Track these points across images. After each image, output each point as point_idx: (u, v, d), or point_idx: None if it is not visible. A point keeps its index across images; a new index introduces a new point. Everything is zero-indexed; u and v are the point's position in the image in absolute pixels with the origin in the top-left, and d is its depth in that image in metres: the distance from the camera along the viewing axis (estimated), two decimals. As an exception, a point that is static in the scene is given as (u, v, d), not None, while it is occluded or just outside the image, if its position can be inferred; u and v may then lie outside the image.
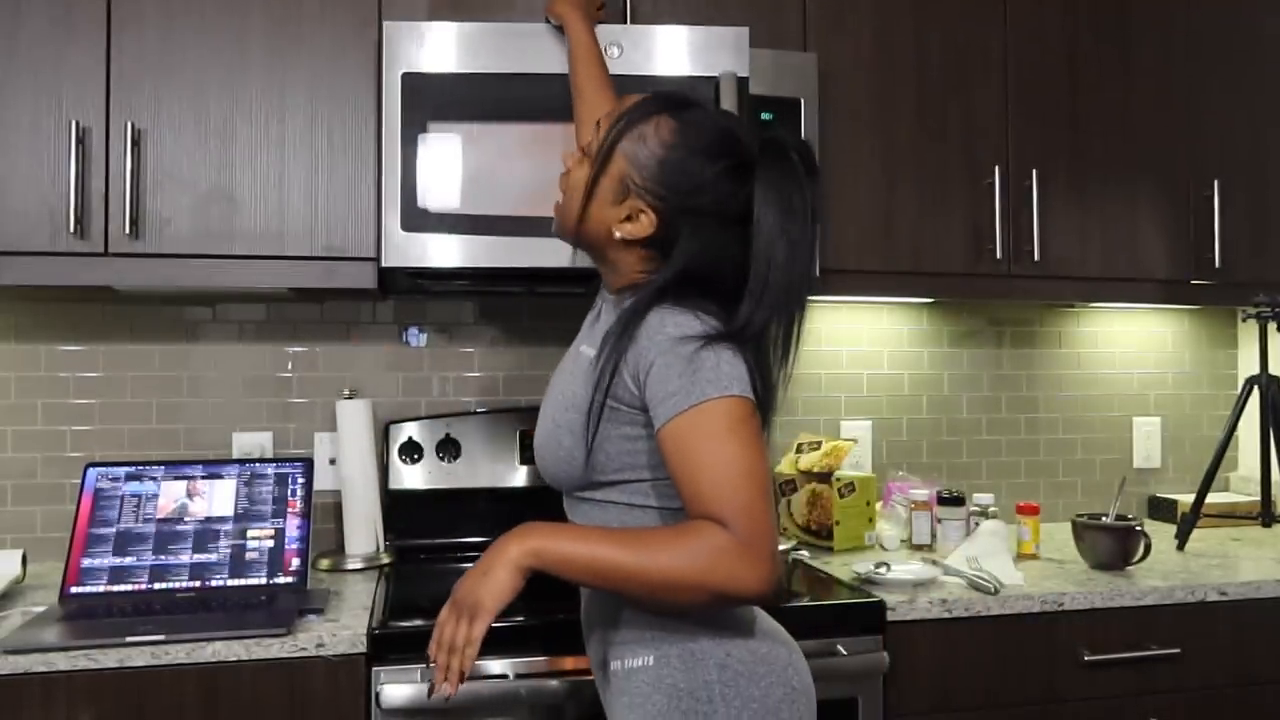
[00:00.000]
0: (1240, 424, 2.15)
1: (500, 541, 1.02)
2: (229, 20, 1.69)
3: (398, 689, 1.39)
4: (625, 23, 1.79)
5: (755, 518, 0.98)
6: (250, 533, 1.68)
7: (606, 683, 1.15)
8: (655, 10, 1.81)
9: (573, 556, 0.99)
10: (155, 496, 1.69)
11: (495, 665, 1.43)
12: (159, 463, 1.72)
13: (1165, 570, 1.81)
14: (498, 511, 2.00)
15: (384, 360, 2.07)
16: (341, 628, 1.44)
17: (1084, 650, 1.64)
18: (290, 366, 2.03)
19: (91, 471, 1.69)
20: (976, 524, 1.92)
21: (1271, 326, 2.08)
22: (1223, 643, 1.71)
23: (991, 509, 1.97)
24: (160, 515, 1.68)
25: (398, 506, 1.96)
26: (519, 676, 1.42)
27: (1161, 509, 2.35)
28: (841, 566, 1.82)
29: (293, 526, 1.70)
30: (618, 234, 1.13)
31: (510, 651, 1.44)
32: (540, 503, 2.00)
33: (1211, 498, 2.19)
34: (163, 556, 1.64)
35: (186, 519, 1.68)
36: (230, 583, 1.63)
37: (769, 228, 1.07)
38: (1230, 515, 2.23)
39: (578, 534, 1.02)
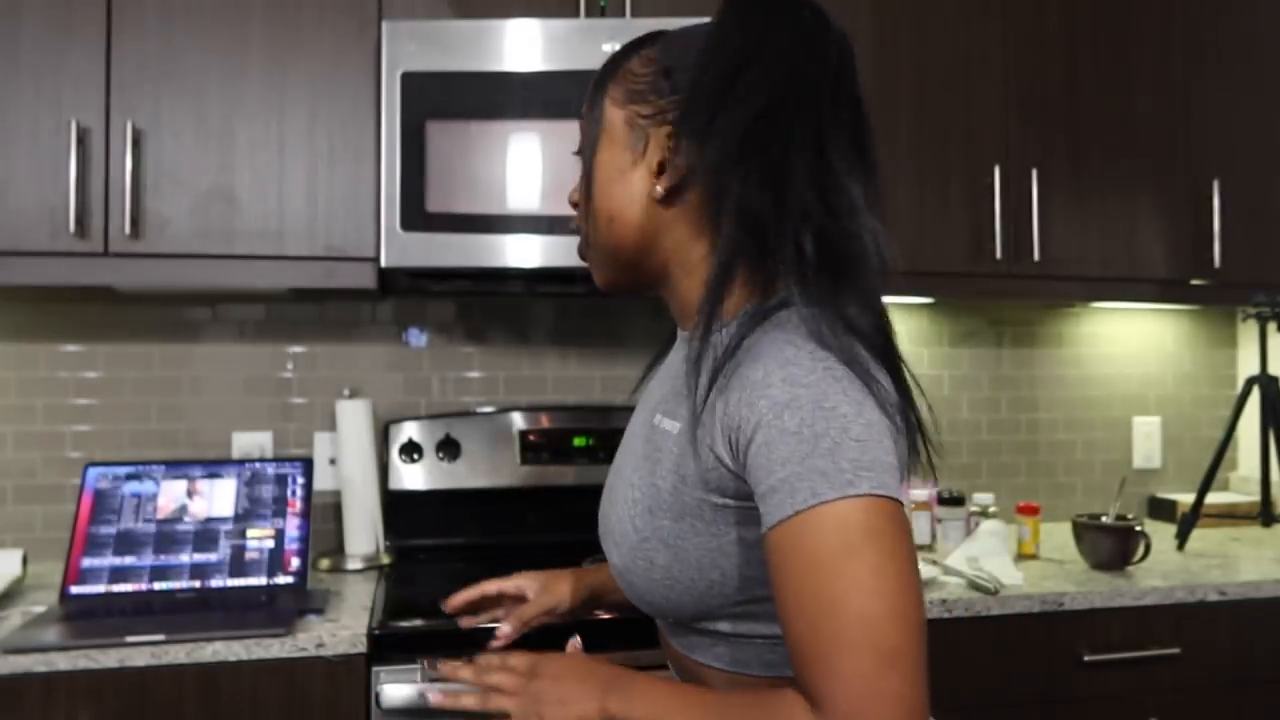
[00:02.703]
0: (1240, 424, 2.15)
1: (586, 684, 0.78)
2: (229, 20, 1.69)
3: (398, 689, 1.38)
4: (625, 17, 1.79)
5: (865, 699, 0.65)
6: (250, 533, 1.68)
7: None
8: (655, 5, 1.81)
9: None
10: (155, 496, 1.69)
11: (495, 665, 1.43)
12: (159, 463, 1.72)
13: (1165, 570, 1.80)
14: (498, 511, 2.00)
15: (384, 360, 2.07)
16: (341, 628, 1.44)
17: (1084, 650, 1.64)
18: (290, 366, 2.03)
19: (92, 471, 1.69)
20: (976, 524, 1.92)
21: (1271, 326, 2.08)
22: (1223, 643, 1.71)
23: (991, 509, 1.97)
24: (160, 515, 1.67)
25: (398, 506, 1.96)
26: (519, 676, 1.42)
27: (1161, 509, 2.35)
28: (841, 566, 1.81)
29: (293, 526, 1.70)
30: (659, 190, 0.82)
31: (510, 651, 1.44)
32: (540, 504, 2.00)
33: (1211, 498, 2.19)
34: (163, 556, 1.64)
35: (186, 519, 1.68)
36: (230, 583, 1.63)
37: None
38: (1230, 515, 2.23)
39: (657, 697, 0.76)
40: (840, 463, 0.69)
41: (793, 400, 0.71)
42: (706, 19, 0.88)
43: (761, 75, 0.78)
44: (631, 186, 0.84)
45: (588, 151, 0.88)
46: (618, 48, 1.66)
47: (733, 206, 0.77)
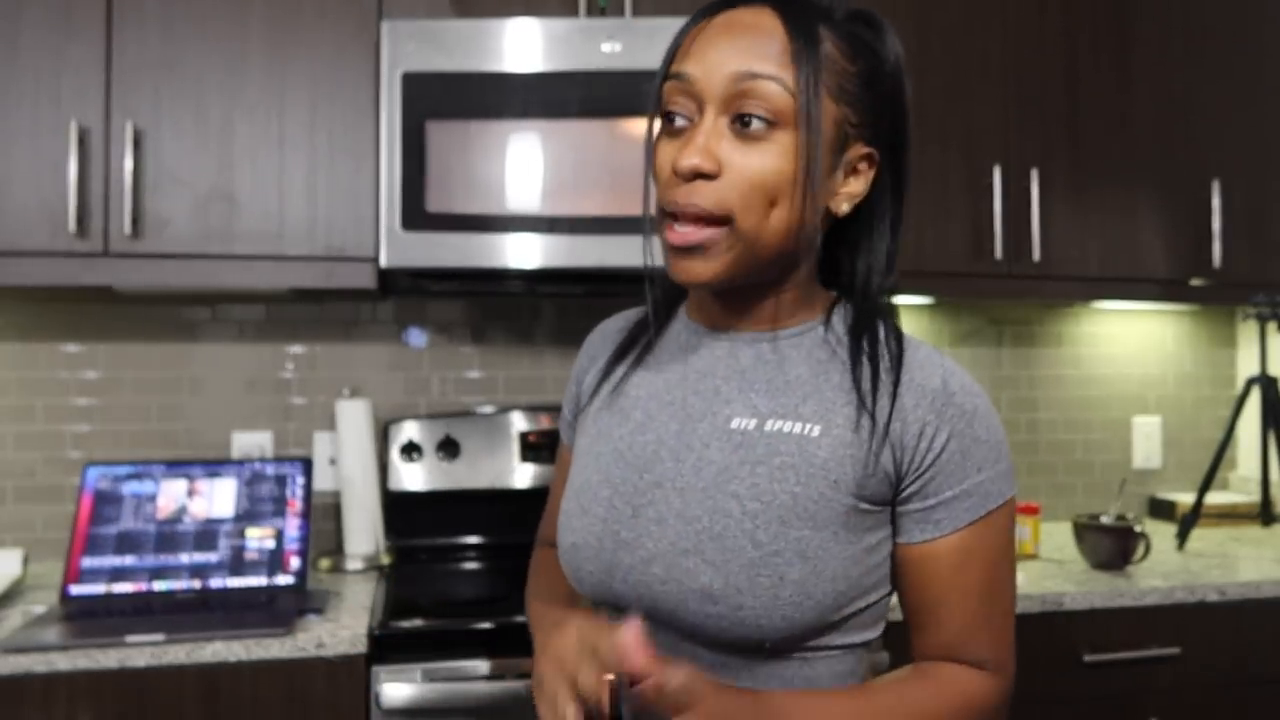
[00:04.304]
0: (1240, 424, 2.15)
1: (741, 700, 0.70)
2: (229, 20, 1.69)
3: (398, 689, 1.38)
4: (625, 16, 1.79)
5: (1013, 656, 0.80)
6: (250, 533, 1.68)
7: None
8: (656, 5, 1.81)
9: None
10: (155, 496, 1.69)
11: (495, 665, 1.43)
12: (159, 462, 1.72)
13: (1165, 570, 1.80)
14: (498, 511, 2.00)
15: (384, 360, 2.07)
16: (341, 628, 1.44)
17: (1084, 650, 1.64)
18: (290, 366, 2.03)
19: (92, 471, 1.69)
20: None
21: (1271, 326, 2.08)
22: (1223, 643, 1.71)
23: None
24: (160, 515, 1.67)
25: (398, 506, 1.96)
26: (518, 676, 1.42)
27: (1161, 509, 2.35)
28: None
29: (292, 526, 1.70)
30: (845, 207, 0.80)
31: (510, 651, 1.44)
32: (540, 504, 2.00)
33: (1211, 498, 2.19)
34: (163, 556, 1.64)
35: (186, 519, 1.68)
36: (230, 583, 1.63)
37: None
38: (1230, 515, 2.23)
39: (815, 710, 0.73)
40: (1009, 465, 0.79)
41: (976, 409, 0.78)
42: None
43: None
44: (825, 190, 0.78)
45: (804, 119, 0.74)
46: (618, 48, 1.67)
47: (886, 230, 0.82)
